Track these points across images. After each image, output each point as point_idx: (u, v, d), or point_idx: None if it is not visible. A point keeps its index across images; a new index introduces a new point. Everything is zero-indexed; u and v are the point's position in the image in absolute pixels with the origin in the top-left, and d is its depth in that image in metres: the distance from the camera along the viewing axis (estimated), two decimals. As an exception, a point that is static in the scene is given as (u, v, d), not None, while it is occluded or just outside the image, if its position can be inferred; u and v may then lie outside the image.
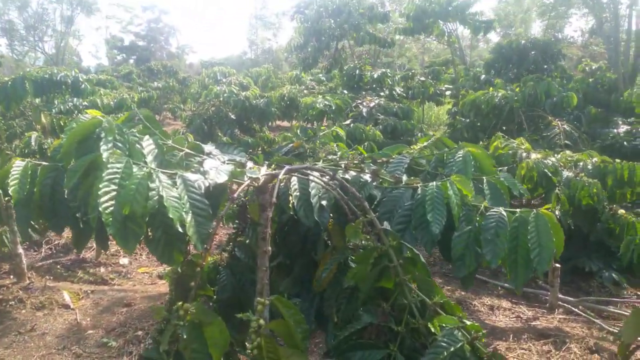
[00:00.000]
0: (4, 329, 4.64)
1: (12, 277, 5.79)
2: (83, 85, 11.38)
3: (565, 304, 5.03)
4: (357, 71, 12.06)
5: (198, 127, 10.39)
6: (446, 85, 13.69)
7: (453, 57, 15.20)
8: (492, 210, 1.90)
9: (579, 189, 4.67)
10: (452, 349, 1.46)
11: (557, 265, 4.88)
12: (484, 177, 2.22)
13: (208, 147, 2.13)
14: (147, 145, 1.94)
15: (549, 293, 5.10)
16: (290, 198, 2.06)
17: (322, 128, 5.67)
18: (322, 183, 2.06)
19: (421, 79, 14.45)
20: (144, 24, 51.40)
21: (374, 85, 11.88)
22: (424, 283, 1.63)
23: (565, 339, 3.89)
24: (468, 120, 9.53)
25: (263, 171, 2.06)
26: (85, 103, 10.30)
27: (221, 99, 10.64)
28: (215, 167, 1.91)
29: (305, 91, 14.11)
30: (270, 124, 15.24)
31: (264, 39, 55.19)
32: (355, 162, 2.31)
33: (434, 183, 1.96)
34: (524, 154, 5.40)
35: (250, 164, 2.13)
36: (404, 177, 2.14)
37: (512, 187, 2.16)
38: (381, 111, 9.60)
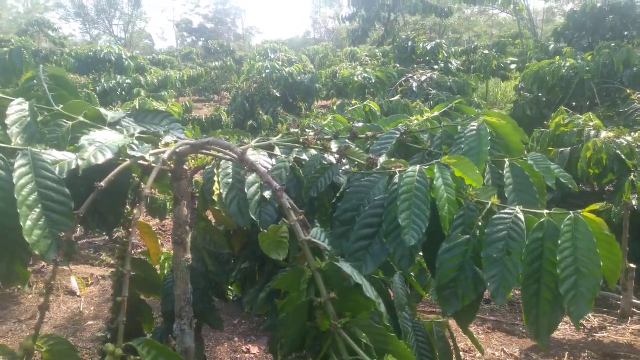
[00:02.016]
0: (6, 314, 4.42)
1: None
2: (127, 63, 11.27)
3: (640, 311, 4.21)
4: (410, 43, 11.09)
5: (239, 105, 9.96)
6: (511, 59, 12.39)
7: (519, 28, 13.81)
8: (504, 211, 1.21)
9: (661, 175, 3.78)
10: None
11: (632, 265, 4.11)
12: (505, 160, 1.51)
13: (115, 115, 1.56)
14: (15, 111, 1.40)
15: (622, 297, 4.31)
16: (216, 187, 1.46)
17: (353, 102, 4.98)
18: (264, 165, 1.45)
19: (484, 52, 13.23)
20: (212, 5, 52.01)
21: (428, 58, 10.89)
22: (372, 333, 0.99)
23: (637, 362, 3.07)
24: (532, 95, 8.47)
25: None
26: (129, 81, 10.10)
27: (264, 75, 10.12)
28: (101, 142, 1.34)
29: (359, 67, 13.30)
30: (321, 102, 14.55)
31: (326, 17, 54.12)
32: (326, 137, 1.67)
33: (416, 167, 1.29)
34: (592, 132, 4.50)
35: (170, 139, 1.55)
36: (382, 159, 1.47)
37: (546, 175, 1.43)
38: (433, 86, 8.68)
